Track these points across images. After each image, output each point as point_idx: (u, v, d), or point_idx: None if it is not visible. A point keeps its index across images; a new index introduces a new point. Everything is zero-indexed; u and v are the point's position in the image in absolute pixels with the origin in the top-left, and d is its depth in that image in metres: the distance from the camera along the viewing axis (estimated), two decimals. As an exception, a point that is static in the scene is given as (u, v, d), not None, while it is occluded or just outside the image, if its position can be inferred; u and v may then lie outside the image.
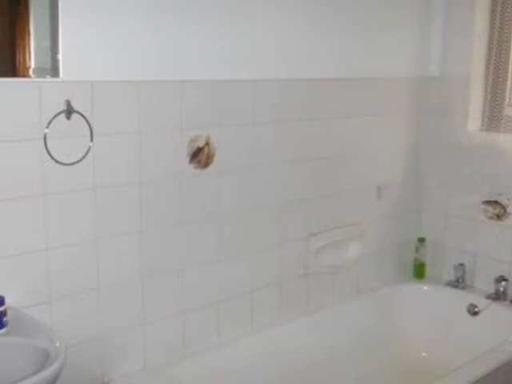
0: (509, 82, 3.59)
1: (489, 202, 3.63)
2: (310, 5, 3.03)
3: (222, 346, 2.93)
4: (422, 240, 3.91)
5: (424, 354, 3.72)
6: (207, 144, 2.73)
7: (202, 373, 2.78)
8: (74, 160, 2.32)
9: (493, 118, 3.67)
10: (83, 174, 2.37)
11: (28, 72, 2.22)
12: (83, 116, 2.31)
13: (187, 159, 2.68)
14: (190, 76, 2.64)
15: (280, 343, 3.13)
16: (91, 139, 2.34)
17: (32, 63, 2.22)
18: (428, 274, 3.94)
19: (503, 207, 3.57)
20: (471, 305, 3.50)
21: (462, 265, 3.76)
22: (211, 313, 2.90)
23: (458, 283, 3.76)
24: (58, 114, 2.25)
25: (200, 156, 2.72)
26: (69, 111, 2.27)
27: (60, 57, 2.24)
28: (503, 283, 3.56)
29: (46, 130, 2.23)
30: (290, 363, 3.13)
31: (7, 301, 2.13)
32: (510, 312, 3.44)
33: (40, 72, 2.23)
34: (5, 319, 2.10)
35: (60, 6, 2.21)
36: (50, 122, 2.24)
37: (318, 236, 3.31)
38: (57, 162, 2.27)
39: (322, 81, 3.17)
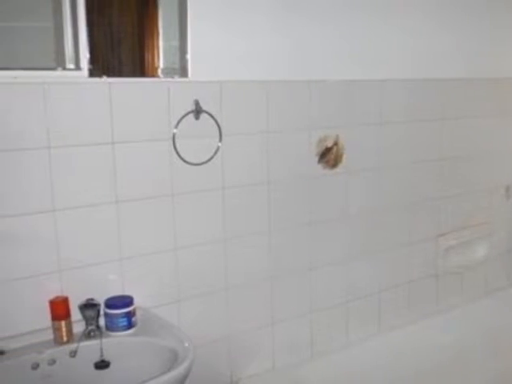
0: None
1: None
2: (438, 4, 2.69)
3: (350, 346, 2.63)
4: (551, 240, 3.42)
5: (554, 355, 3.27)
6: (336, 144, 2.43)
7: (331, 373, 2.49)
8: (203, 160, 2.06)
9: None
10: (212, 174, 2.11)
11: (157, 72, 1.97)
12: (212, 116, 2.05)
13: (316, 159, 2.39)
14: (318, 76, 2.35)
15: (408, 343, 2.79)
16: (220, 139, 2.08)
17: (161, 63, 1.97)
18: (557, 275, 3.50)
19: None
20: None
21: None
22: (339, 313, 2.60)
23: None
24: (187, 114, 2.00)
25: (328, 156, 2.41)
26: (197, 111, 2.01)
27: (189, 57, 1.99)
28: None
29: (175, 130, 1.98)
30: (419, 363, 2.79)
31: (136, 301, 1.91)
32: None
33: (169, 72, 1.98)
34: (133, 319, 1.88)
35: (189, 5, 1.96)
36: (178, 122, 1.98)
37: (446, 236, 2.96)
38: (185, 162, 2.02)
39: (450, 81, 2.82)
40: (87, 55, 1.78)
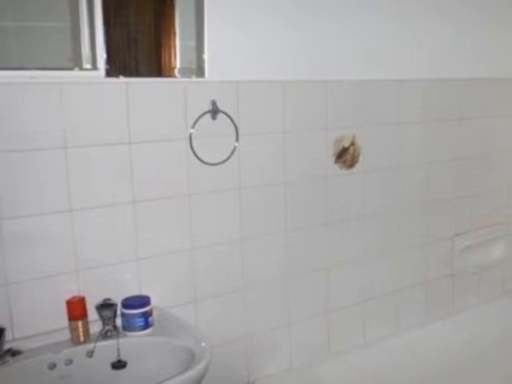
0: None
1: None
2: (454, 4, 2.63)
3: (366, 346, 2.58)
4: None
5: None
6: (352, 144, 2.38)
7: (347, 373, 2.44)
8: (220, 160, 2.01)
9: None
10: (229, 174, 2.07)
11: (173, 72, 1.93)
12: (228, 116, 2.01)
13: (332, 159, 2.34)
14: (335, 76, 2.30)
15: (425, 343, 2.73)
16: (237, 139, 2.04)
17: (177, 63, 1.93)
18: None
19: None
20: None
21: None
22: (356, 313, 2.54)
23: None
24: (204, 113, 1.96)
25: (345, 156, 2.37)
26: (214, 111, 1.97)
27: (205, 57, 1.95)
28: None
29: (192, 130, 1.94)
30: (436, 363, 2.73)
31: (153, 301, 1.88)
32: None
33: (185, 72, 1.94)
34: (150, 319, 1.85)
35: (205, 5, 1.92)
36: (195, 122, 1.94)
37: (463, 236, 2.90)
38: (202, 162, 1.98)
39: (467, 81, 2.76)
40: (104, 55, 1.74)
